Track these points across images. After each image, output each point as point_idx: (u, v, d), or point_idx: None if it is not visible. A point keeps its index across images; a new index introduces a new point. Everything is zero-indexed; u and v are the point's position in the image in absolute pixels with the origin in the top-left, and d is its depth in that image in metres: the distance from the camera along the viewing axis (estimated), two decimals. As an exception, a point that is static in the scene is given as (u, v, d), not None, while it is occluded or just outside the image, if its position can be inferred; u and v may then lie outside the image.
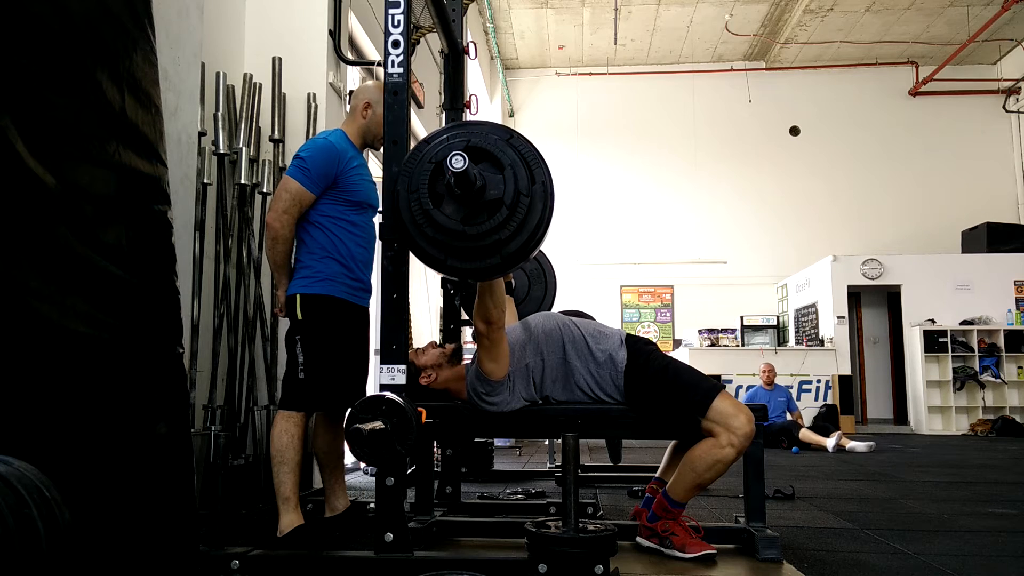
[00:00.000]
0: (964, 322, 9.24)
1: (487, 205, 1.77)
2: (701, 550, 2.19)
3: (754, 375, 9.18)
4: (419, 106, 6.41)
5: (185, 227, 2.63)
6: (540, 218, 1.78)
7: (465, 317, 3.08)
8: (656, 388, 2.26)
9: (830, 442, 6.42)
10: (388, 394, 1.81)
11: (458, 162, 1.65)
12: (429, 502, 2.61)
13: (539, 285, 3.15)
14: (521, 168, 1.79)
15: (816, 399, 9.04)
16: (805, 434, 6.63)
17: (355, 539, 2.45)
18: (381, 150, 2.39)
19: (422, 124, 6.85)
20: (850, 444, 6.41)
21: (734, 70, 11.89)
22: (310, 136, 3.63)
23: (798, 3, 10.10)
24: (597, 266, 11.49)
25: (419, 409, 1.84)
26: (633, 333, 2.53)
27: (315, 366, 2.42)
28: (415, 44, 4.45)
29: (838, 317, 9.52)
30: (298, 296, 2.45)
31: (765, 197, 11.54)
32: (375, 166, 5.79)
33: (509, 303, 2.71)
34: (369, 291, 2.62)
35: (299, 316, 2.44)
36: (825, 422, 7.53)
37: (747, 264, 11.41)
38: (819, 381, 9.22)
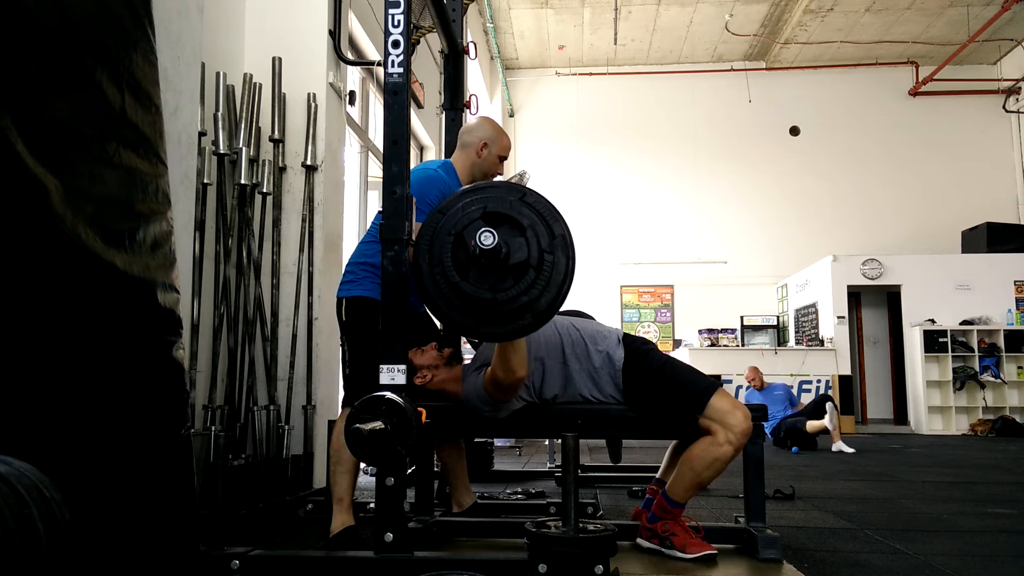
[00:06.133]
0: (964, 322, 9.25)
1: (513, 269, 1.78)
2: (702, 550, 2.19)
3: (754, 375, 9.19)
4: (419, 106, 6.41)
5: (185, 227, 2.63)
6: (565, 271, 1.80)
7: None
8: (654, 386, 2.26)
9: (827, 420, 6.38)
10: (388, 394, 1.81)
11: (487, 239, 1.67)
12: (429, 502, 2.61)
13: None
14: (540, 226, 1.80)
15: (816, 399, 9.05)
16: (811, 425, 6.54)
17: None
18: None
19: (422, 124, 6.85)
20: (838, 445, 6.40)
21: (734, 70, 11.89)
22: (309, 136, 3.63)
23: (798, 3, 10.10)
24: (597, 266, 11.49)
25: (419, 409, 1.84)
26: (632, 332, 2.53)
27: (357, 364, 2.46)
28: (415, 44, 4.45)
29: (838, 317, 9.52)
30: (344, 300, 2.50)
31: (765, 197, 11.55)
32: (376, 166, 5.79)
33: None
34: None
35: (343, 318, 2.50)
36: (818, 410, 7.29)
37: (747, 264, 11.41)
38: (819, 381, 9.23)
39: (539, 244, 1.78)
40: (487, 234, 1.67)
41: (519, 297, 1.77)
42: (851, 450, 6.35)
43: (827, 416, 6.43)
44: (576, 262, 1.84)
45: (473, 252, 1.74)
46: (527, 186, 3.05)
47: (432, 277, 1.81)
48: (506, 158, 2.67)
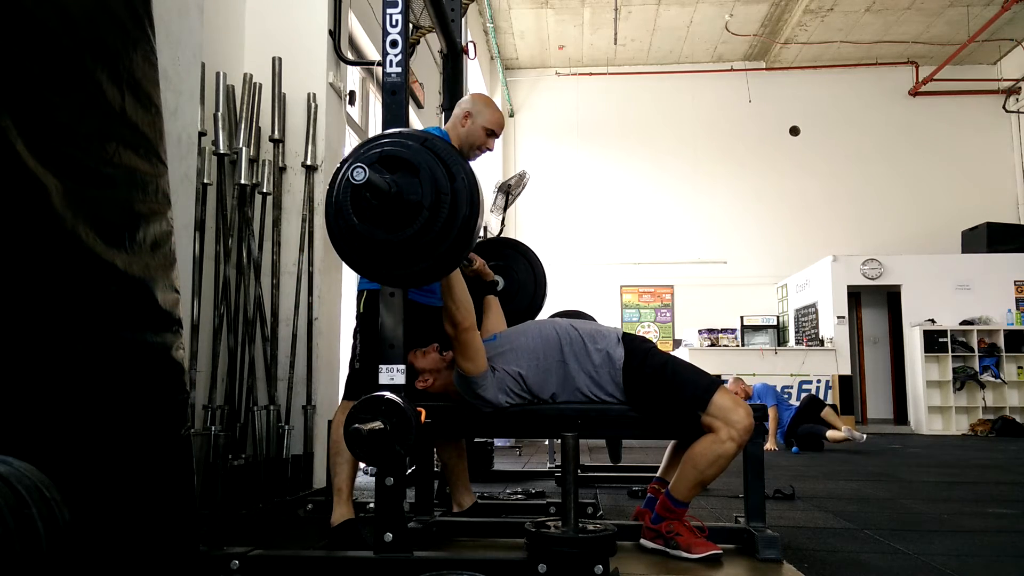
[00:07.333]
0: (964, 322, 9.24)
1: (408, 211, 1.75)
2: (707, 550, 2.19)
3: (754, 375, 9.19)
4: (419, 106, 6.41)
5: (185, 227, 2.63)
6: (468, 215, 1.77)
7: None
8: (655, 385, 2.26)
9: (845, 432, 6.39)
10: (388, 394, 1.81)
11: (359, 174, 1.64)
12: (429, 502, 2.61)
13: (529, 280, 3.12)
14: (439, 168, 1.76)
15: (816, 399, 9.03)
16: (832, 435, 6.50)
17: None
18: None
19: (422, 124, 6.85)
20: (846, 437, 6.38)
21: (734, 70, 11.88)
22: (309, 136, 3.63)
23: (798, 3, 10.10)
24: (597, 266, 11.49)
25: (419, 409, 1.84)
26: (631, 332, 2.54)
27: (368, 357, 2.46)
28: (415, 44, 4.45)
29: (838, 317, 9.51)
30: (364, 292, 2.51)
31: (765, 197, 11.54)
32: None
33: (495, 304, 2.71)
34: (435, 292, 2.61)
35: (360, 310, 2.51)
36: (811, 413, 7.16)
37: (747, 264, 11.41)
38: (819, 381, 9.22)
39: (436, 187, 1.75)
40: (358, 170, 1.64)
41: (417, 238, 1.74)
42: (857, 439, 6.33)
43: (844, 429, 6.43)
44: (481, 207, 1.81)
45: (365, 194, 1.72)
46: (523, 187, 3.06)
47: (335, 221, 1.81)
48: (496, 133, 2.61)
